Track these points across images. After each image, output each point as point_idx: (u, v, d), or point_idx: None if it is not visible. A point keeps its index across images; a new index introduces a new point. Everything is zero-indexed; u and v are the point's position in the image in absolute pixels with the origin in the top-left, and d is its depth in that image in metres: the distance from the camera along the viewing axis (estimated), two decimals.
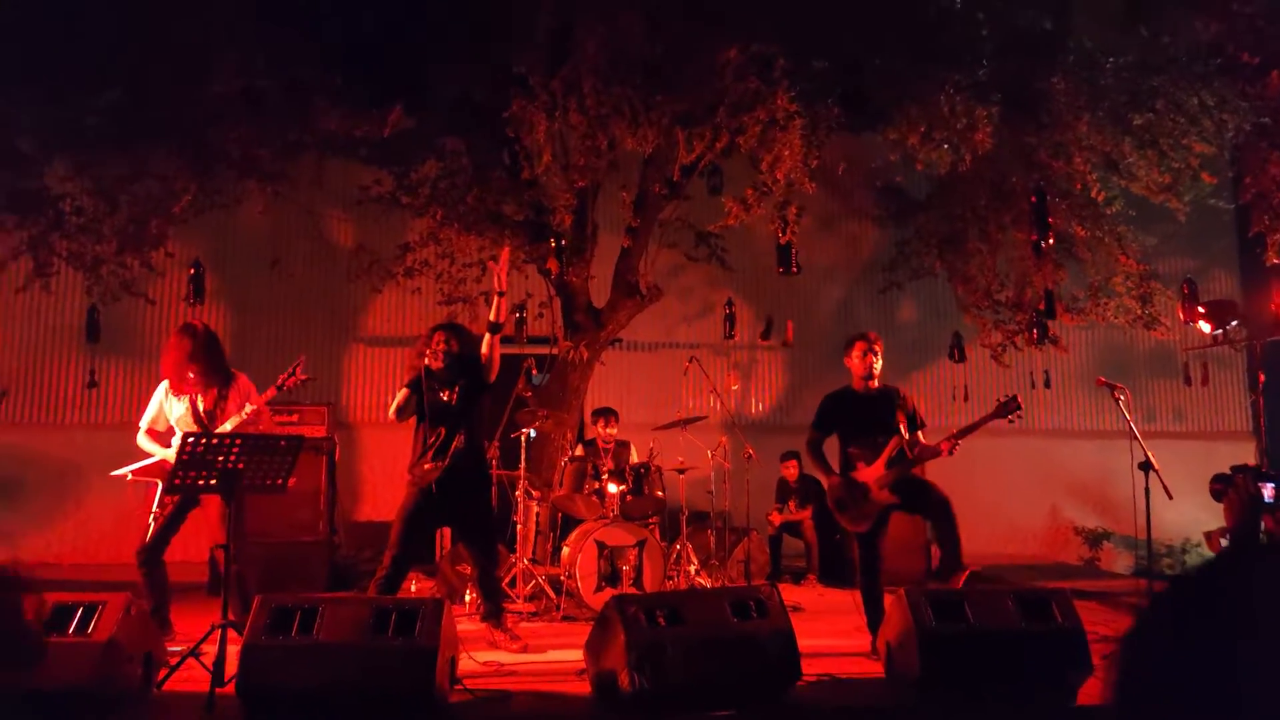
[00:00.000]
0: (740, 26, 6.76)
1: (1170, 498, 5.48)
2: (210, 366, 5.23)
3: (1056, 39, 7.07)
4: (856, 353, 5.49)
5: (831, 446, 5.57)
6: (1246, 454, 11.96)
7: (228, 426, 5.06)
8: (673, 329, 11.41)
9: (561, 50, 7.36)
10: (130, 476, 5.17)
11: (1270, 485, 2.91)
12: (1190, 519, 10.87)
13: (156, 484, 5.09)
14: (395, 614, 4.09)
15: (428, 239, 8.84)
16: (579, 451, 7.85)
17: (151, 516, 5.09)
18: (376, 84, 8.05)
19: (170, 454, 4.99)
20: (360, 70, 8.06)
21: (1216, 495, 3.04)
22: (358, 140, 8.36)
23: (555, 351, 9.16)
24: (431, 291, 9.47)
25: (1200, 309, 7.61)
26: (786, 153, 6.68)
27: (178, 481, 4.50)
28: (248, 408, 5.12)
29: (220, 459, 4.45)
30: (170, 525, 5.16)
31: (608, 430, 7.82)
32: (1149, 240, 9.11)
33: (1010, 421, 5.16)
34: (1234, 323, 7.68)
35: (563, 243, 8.11)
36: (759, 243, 9.70)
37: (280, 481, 4.64)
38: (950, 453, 5.15)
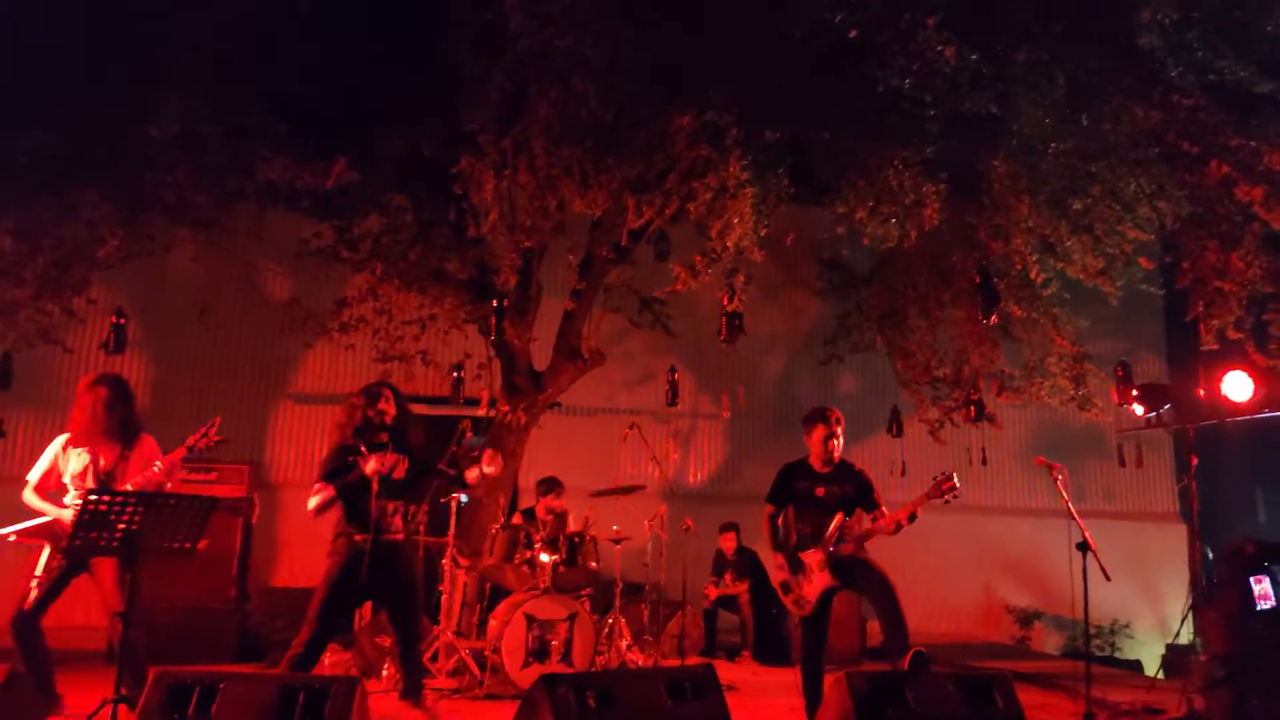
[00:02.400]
0: (693, 94, 6.78)
1: (1108, 579, 5.47)
2: (122, 420, 4.96)
3: (1000, 123, 7.22)
4: (818, 436, 5.23)
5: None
6: (1174, 535, 12.15)
7: (128, 488, 4.75)
8: (613, 394, 11.28)
9: (513, 110, 7.32)
10: (14, 538, 4.78)
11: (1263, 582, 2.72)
12: (1120, 599, 11.00)
13: (43, 546, 4.75)
14: (303, 694, 3.78)
15: (366, 294, 8.65)
16: (516, 519, 7.58)
17: (35, 581, 4.72)
18: (322, 135, 7.88)
19: (64, 513, 4.69)
20: (306, 121, 7.90)
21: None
22: (299, 191, 8.13)
23: (492, 414, 8.94)
24: (366, 348, 9.24)
25: (1134, 392, 7.75)
26: (736, 220, 6.66)
27: (78, 544, 4.19)
28: (156, 465, 4.83)
29: (124, 519, 4.15)
30: (53, 591, 4.76)
31: (555, 502, 7.56)
32: (1081, 323, 9.27)
33: (946, 501, 5.06)
34: (1166, 406, 7.82)
35: (505, 303, 7.97)
36: (703, 310, 9.67)
37: (189, 545, 4.34)
38: (896, 530, 5.03)
